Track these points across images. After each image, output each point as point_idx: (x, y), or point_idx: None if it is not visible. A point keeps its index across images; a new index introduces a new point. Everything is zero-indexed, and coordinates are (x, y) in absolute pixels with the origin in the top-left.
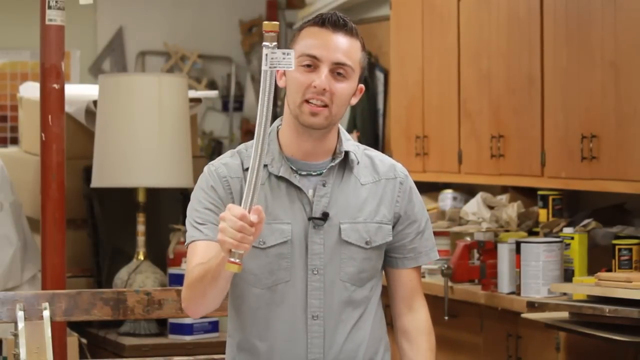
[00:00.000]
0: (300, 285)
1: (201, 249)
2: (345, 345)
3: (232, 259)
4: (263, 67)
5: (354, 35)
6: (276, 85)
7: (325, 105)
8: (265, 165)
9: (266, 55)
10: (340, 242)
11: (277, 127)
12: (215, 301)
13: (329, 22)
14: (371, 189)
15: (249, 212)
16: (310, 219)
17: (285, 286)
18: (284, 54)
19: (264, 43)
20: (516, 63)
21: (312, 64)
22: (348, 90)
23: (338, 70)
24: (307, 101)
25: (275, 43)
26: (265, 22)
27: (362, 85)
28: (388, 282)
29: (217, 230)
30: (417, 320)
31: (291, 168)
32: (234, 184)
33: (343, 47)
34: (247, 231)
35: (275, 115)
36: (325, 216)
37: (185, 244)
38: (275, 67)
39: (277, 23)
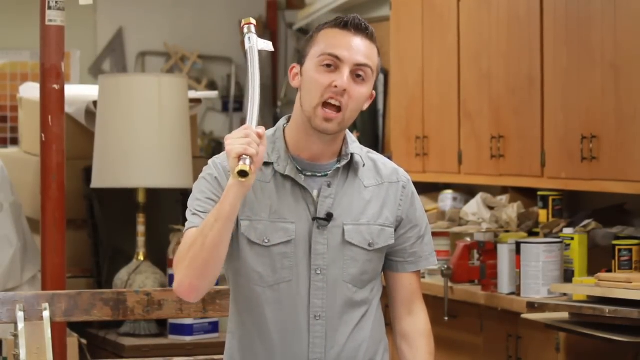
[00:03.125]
0: (303, 285)
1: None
2: (346, 345)
3: (242, 162)
4: (246, 46)
5: (373, 40)
6: (275, 85)
7: (339, 110)
8: (271, 163)
9: (248, 37)
10: (344, 243)
11: (283, 125)
12: (214, 262)
13: (351, 24)
14: (374, 192)
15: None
16: (314, 219)
17: (288, 285)
18: (264, 42)
19: (244, 31)
20: (516, 63)
21: (332, 64)
22: (365, 95)
23: (358, 72)
24: (323, 105)
25: (254, 33)
26: (244, 19)
27: (373, 92)
28: (388, 286)
29: None
30: (417, 324)
31: (297, 168)
32: None
33: (364, 49)
34: (253, 137)
35: (275, 117)
36: (329, 217)
37: (184, 230)
38: (257, 47)
39: (252, 18)
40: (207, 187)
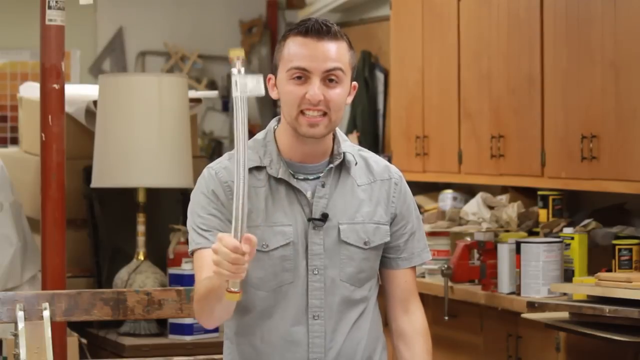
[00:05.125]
0: (302, 285)
1: (207, 259)
2: (345, 344)
3: (232, 288)
4: (234, 94)
5: (338, 38)
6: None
7: (324, 114)
8: (264, 167)
9: (236, 82)
10: (340, 243)
11: (274, 127)
12: (224, 317)
13: (312, 30)
14: (367, 190)
15: (240, 241)
16: (309, 220)
17: (289, 287)
18: (253, 79)
19: (232, 69)
20: (516, 63)
21: (302, 75)
22: (342, 94)
23: (330, 77)
24: (302, 113)
25: (243, 68)
26: (231, 50)
27: (355, 83)
28: (383, 284)
29: None
30: (414, 322)
31: (289, 170)
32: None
33: (330, 53)
34: (241, 261)
35: (274, 115)
36: (324, 217)
37: (190, 250)
38: (246, 94)
39: (242, 49)
40: (206, 201)
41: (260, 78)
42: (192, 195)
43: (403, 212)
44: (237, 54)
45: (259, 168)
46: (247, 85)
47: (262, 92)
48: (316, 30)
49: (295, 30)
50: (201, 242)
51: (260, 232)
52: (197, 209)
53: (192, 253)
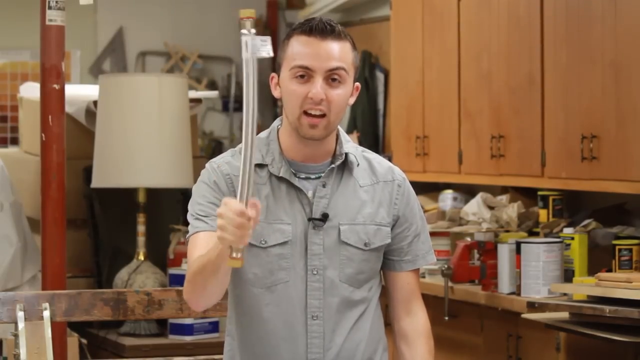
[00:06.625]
0: (300, 285)
1: (203, 240)
2: (344, 345)
3: (234, 255)
4: (244, 55)
5: (342, 38)
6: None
7: (323, 115)
8: (266, 165)
9: (246, 42)
10: (339, 243)
11: (277, 127)
12: (216, 294)
13: (316, 29)
14: (369, 191)
15: (246, 206)
16: (310, 219)
17: (285, 286)
18: (262, 41)
19: (242, 30)
20: (516, 63)
21: (305, 74)
22: (344, 95)
23: (332, 77)
24: (305, 113)
25: (253, 30)
26: (242, 10)
27: (357, 84)
28: (386, 285)
29: None
30: (416, 324)
31: (291, 170)
32: (237, 181)
33: (334, 52)
34: (246, 226)
35: (275, 116)
36: (324, 217)
37: (187, 235)
38: (255, 54)
39: (253, 10)
40: (208, 191)
41: (268, 39)
42: (194, 188)
43: (406, 214)
44: (248, 14)
45: (261, 166)
46: (256, 47)
47: (271, 53)
48: (320, 29)
49: (299, 29)
50: (199, 226)
51: (260, 228)
52: (198, 198)
53: (189, 239)
